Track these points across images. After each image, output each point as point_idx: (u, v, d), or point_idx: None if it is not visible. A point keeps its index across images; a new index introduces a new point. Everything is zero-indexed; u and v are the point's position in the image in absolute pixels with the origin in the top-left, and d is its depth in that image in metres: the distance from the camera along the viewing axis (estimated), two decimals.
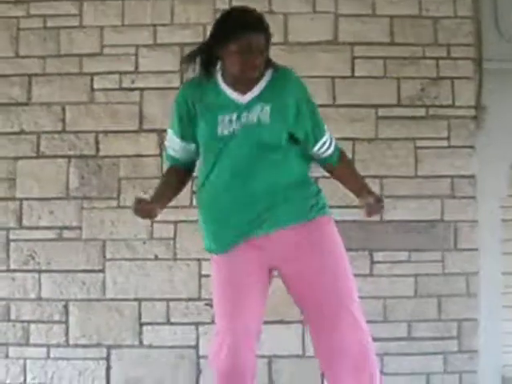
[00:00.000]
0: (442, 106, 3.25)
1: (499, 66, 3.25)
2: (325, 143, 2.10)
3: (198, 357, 3.18)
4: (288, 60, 3.06)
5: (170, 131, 2.10)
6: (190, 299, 3.19)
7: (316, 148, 2.10)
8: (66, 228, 3.22)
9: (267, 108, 2.00)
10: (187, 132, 2.05)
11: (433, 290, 3.22)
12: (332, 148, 2.13)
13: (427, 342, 3.21)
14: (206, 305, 3.18)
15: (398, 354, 3.23)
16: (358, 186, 2.10)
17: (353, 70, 3.24)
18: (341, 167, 2.15)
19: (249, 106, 2.01)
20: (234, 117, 2.00)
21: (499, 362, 3.37)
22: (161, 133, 3.21)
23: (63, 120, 3.25)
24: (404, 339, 3.20)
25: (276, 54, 3.04)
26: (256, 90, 2.02)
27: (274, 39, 3.03)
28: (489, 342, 3.25)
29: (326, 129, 2.11)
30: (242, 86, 2.01)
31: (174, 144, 2.09)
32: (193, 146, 2.07)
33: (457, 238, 3.23)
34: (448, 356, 3.21)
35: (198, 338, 3.18)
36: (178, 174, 2.13)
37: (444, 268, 3.22)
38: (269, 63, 2.03)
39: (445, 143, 3.24)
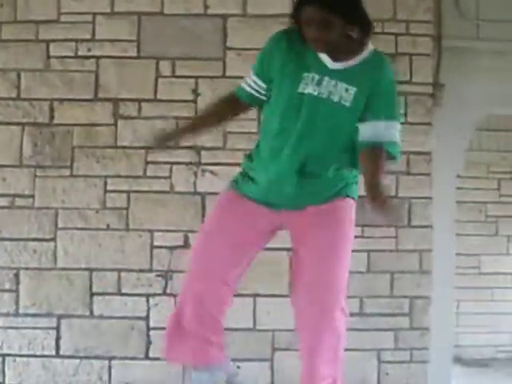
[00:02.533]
0: (399, 82, 3.38)
1: (458, 43, 3.44)
2: (382, 127, 2.17)
3: (148, 328, 3.36)
4: (246, 32, 3.28)
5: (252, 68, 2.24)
6: (141, 270, 3.37)
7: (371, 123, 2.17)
8: (19, 196, 3.39)
9: (352, 91, 2.14)
10: (265, 72, 2.22)
11: (385, 266, 3.41)
12: (384, 138, 2.17)
13: (379, 318, 3.39)
14: (157, 276, 3.36)
15: (349, 329, 3.36)
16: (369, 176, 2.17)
17: None
18: (367, 153, 2.18)
19: (333, 75, 2.15)
20: (317, 77, 2.15)
21: (451, 340, 3.57)
22: (116, 102, 3.39)
23: (18, 87, 3.41)
24: (356, 315, 3.38)
25: (234, 26, 3.26)
26: (346, 63, 2.16)
27: (233, 11, 3.27)
28: (440, 320, 3.44)
29: (396, 120, 2.21)
30: (332, 54, 2.15)
31: (250, 80, 2.25)
32: (264, 86, 2.23)
33: (411, 215, 3.42)
34: (399, 333, 3.41)
35: (148, 310, 3.36)
36: (236, 103, 2.29)
37: (397, 244, 3.41)
38: (361, 44, 2.17)
39: (401, 119, 3.41)
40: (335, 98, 2.15)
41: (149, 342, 3.36)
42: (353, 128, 2.19)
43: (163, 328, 3.11)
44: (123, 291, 3.37)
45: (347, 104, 2.15)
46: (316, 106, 2.15)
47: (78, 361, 3.37)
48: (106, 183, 3.38)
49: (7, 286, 3.38)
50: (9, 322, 3.38)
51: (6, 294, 3.38)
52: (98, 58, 3.40)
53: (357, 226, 3.27)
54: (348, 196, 2.27)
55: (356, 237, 3.26)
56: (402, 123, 2.24)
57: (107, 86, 3.40)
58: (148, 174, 3.35)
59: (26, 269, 3.38)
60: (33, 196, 3.38)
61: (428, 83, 3.45)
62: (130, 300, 3.36)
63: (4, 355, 3.38)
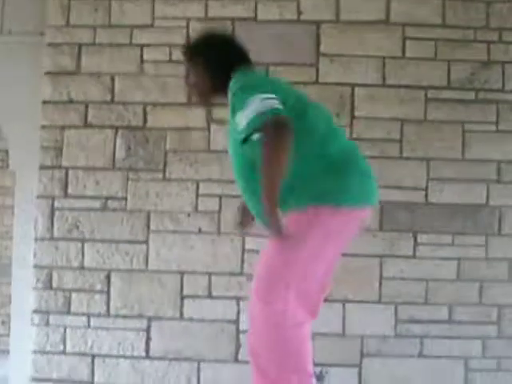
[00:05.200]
0: (491, 90, 3.63)
1: None
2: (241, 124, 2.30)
3: (238, 331, 3.58)
4: (339, 38, 3.48)
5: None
6: (232, 273, 3.59)
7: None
8: (111, 198, 3.63)
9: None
10: None
11: (475, 274, 3.61)
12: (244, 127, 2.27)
13: (467, 325, 3.59)
14: (248, 279, 3.58)
15: (437, 336, 3.62)
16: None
17: (403, 51, 3.61)
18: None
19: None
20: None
21: None
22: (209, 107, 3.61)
23: (112, 90, 3.65)
24: (444, 322, 3.59)
25: (327, 33, 3.48)
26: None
27: (326, 17, 3.49)
28: None
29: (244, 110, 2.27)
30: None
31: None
32: None
33: (501, 223, 3.61)
34: (487, 341, 3.60)
35: (238, 313, 3.59)
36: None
37: (487, 252, 3.60)
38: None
39: (493, 127, 3.62)
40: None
41: (238, 345, 3.58)
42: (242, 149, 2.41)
43: None
44: (214, 294, 3.59)
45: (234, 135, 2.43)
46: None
47: (167, 362, 3.60)
48: (198, 187, 3.61)
49: (98, 288, 3.62)
50: (99, 323, 3.62)
51: (98, 295, 3.62)
52: None
53: (448, 233, 3.51)
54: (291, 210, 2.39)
55: (446, 244, 3.50)
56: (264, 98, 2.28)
57: None
58: None
59: (118, 270, 3.62)
60: (125, 198, 3.62)
61: None
62: (220, 303, 3.59)
63: (94, 355, 3.62)
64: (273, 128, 2.17)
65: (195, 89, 2.63)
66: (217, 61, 2.53)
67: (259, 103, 2.24)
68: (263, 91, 2.29)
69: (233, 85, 2.42)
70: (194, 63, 2.58)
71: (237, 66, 2.50)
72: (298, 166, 2.32)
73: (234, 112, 2.33)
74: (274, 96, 2.27)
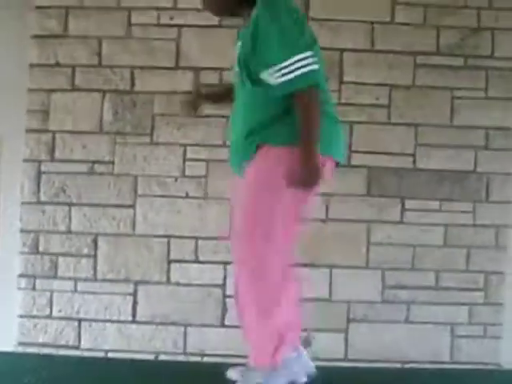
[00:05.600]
0: (480, 57, 3.65)
1: None
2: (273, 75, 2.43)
3: (225, 296, 3.60)
4: (329, 3, 3.49)
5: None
6: (219, 238, 3.60)
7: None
8: (98, 162, 3.64)
9: (239, 46, 2.56)
10: None
11: (462, 240, 3.63)
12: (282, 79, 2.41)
13: (454, 292, 3.62)
14: None
15: (424, 302, 3.65)
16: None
17: (392, 16, 3.62)
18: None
19: (239, 38, 2.60)
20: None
21: None
22: (197, 71, 3.63)
23: (99, 54, 3.65)
24: (431, 288, 3.62)
25: None
26: (246, 22, 2.53)
27: None
28: None
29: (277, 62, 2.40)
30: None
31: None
32: None
33: (489, 190, 3.64)
34: (473, 307, 3.64)
35: (225, 277, 3.61)
36: None
37: (474, 219, 3.63)
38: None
39: (482, 94, 3.64)
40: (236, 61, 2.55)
41: (225, 310, 3.61)
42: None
43: None
44: (200, 259, 3.61)
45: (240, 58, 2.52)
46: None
47: (153, 327, 3.63)
48: (185, 151, 3.62)
49: (85, 252, 3.64)
50: (86, 287, 3.64)
51: (84, 260, 3.64)
52: (180, 26, 3.63)
53: (435, 199, 3.53)
54: (264, 143, 2.52)
55: (433, 211, 3.52)
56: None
57: (188, 55, 3.64)
58: (227, 142, 3.57)
59: (105, 235, 3.63)
60: (112, 162, 3.63)
61: (510, 58, 3.64)
62: (207, 268, 3.61)
63: (80, 320, 3.64)
64: (308, 101, 2.38)
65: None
66: None
67: (299, 63, 2.37)
68: (301, 43, 2.39)
69: (263, 11, 2.42)
70: None
71: None
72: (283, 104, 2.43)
73: (259, 41, 2.42)
74: (310, 54, 2.39)
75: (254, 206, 2.50)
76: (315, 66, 2.39)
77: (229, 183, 3.47)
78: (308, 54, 2.37)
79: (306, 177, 2.38)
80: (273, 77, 2.42)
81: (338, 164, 2.64)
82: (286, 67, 2.39)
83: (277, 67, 2.39)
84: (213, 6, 2.65)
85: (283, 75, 2.39)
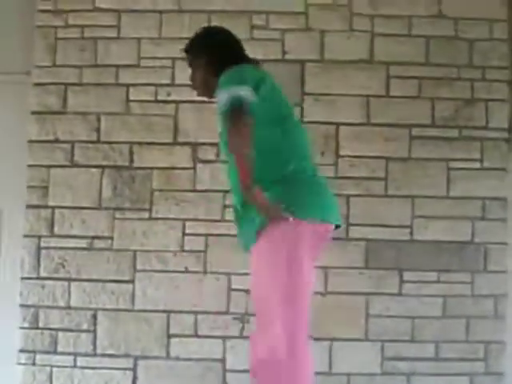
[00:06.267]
0: (475, 128, 3.71)
1: None
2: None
3: (225, 370, 3.62)
4: (324, 77, 3.57)
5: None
6: (218, 313, 3.64)
7: None
8: (98, 237, 3.69)
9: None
10: None
11: (461, 311, 3.67)
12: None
13: (454, 362, 3.65)
14: (234, 319, 3.64)
15: (424, 374, 3.67)
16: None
17: (387, 90, 3.70)
18: None
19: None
20: None
21: None
22: (195, 146, 3.69)
23: (98, 130, 3.72)
24: (431, 359, 3.64)
25: (312, 72, 3.56)
26: None
27: (310, 56, 3.58)
28: None
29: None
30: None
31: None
32: None
33: (486, 260, 3.68)
34: (474, 378, 3.66)
35: (224, 352, 3.64)
36: None
37: (473, 289, 3.66)
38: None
39: (477, 165, 3.70)
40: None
41: None
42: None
43: (239, 370, 3.43)
44: (200, 333, 3.65)
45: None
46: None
47: None
48: (184, 226, 3.67)
49: (85, 327, 3.67)
50: (86, 362, 3.66)
51: (84, 335, 3.67)
52: (177, 102, 3.70)
53: (433, 270, 3.58)
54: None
55: (432, 282, 3.56)
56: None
57: (186, 130, 3.71)
58: (226, 217, 3.64)
59: (104, 310, 3.67)
60: (111, 238, 3.68)
61: (504, 128, 3.71)
62: (206, 342, 3.64)
63: None
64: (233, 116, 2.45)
65: (202, 86, 2.73)
66: (219, 58, 2.67)
67: (226, 94, 2.48)
68: (237, 82, 2.49)
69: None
70: (196, 63, 2.72)
71: (239, 61, 2.65)
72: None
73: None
74: (242, 88, 2.48)
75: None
76: (241, 93, 2.45)
77: (227, 257, 3.54)
78: (240, 88, 2.46)
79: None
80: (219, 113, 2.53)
81: (337, 226, 2.66)
82: (220, 98, 2.50)
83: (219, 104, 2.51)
84: (204, 93, 2.76)
85: (220, 108, 2.50)
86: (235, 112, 2.44)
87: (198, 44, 2.72)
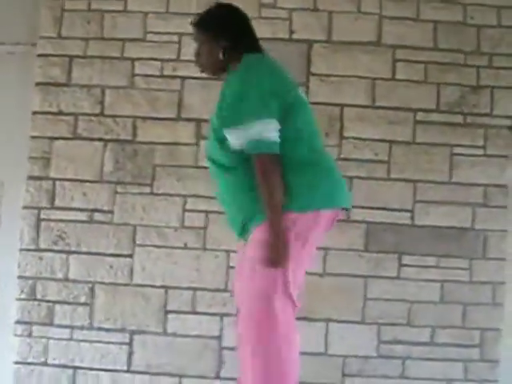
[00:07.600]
0: (479, 115, 3.75)
1: None
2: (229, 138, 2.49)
3: (221, 347, 3.67)
4: (330, 58, 3.60)
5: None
6: (216, 290, 3.68)
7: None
8: (98, 211, 3.72)
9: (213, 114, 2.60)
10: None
11: (459, 297, 3.71)
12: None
13: (449, 348, 3.69)
14: (232, 296, 3.67)
15: (419, 358, 3.72)
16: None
17: (394, 73, 3.73)
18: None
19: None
20: None
21: None
22: (199, 122, 3.72)
23: (102, 103, 3.74)
24: (427, 344, 3.69)
25: (319, 52, 3.59)
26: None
27: (317, 37, 3.61)
28: (511, 352, 3.73)
29: (239, 124, 2.44)
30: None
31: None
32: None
33: (486, 247, 3.72)
34: (469, 364, 3.70)
35: (221, 329, 3.68)
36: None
37: (471, 276, 3.71)
38: (229, 61, 2.60)
39: (480, 151, 3.73)
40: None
41: (221, 362, 3.67)
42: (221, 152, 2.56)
43: (236, 348, 3.45)
44: (198, 310, 3.68)
45: (214, 126, 2.59)
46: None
47: (148, 377, 3.69)
48: (185, 202, 3.70)
49: (82, 300, 3.71)
50: (82, 336, 3.70)
51: (81, 308, 3.70)
52: (182, 78, 3.72)
53: (432, 255, 3.62)
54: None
55: (431, 267, 3.60)
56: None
57: (190, 106, 3.73)
58: None
59: (102, 283, 3.70)
60: (112, 212, 3.71)
61: (508, 116, 3.74)
62: (204, 319, 3.68)
63: (75, 368, 3.70)
64: (263, 166, 2.40)
65: (207, 62, 2.71)
66: (231, 39, 2.65)
67: (256, 130, 2.41)
68: (262, 111, 2.43)
69: (234, 78, 2.54)
70: (204, 38, 2.68)
71: (245, 42, 2.65)
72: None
73: (224, 100, 2.52)
74: (269, 121, 2.43)
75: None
76: (270, 135, 2.42)
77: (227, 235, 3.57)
78: (267, 121, 2.41)
79: (274, 254, 2.40)
80: (230, 137, 2.49)
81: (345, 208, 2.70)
82: (239, 131, 2.44)
83: (232, 129, 2.45)
84: (207, 69, 2.76)
85: (237, 139, 2.44)
86: (265, 159, 2.42)
87: (210, 19, 2.69)
